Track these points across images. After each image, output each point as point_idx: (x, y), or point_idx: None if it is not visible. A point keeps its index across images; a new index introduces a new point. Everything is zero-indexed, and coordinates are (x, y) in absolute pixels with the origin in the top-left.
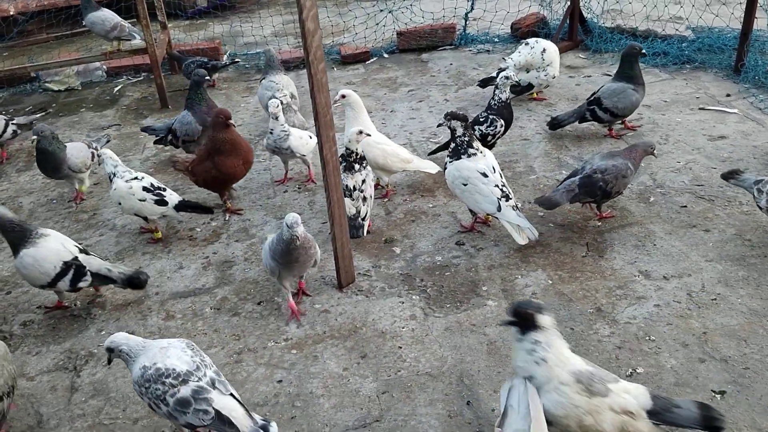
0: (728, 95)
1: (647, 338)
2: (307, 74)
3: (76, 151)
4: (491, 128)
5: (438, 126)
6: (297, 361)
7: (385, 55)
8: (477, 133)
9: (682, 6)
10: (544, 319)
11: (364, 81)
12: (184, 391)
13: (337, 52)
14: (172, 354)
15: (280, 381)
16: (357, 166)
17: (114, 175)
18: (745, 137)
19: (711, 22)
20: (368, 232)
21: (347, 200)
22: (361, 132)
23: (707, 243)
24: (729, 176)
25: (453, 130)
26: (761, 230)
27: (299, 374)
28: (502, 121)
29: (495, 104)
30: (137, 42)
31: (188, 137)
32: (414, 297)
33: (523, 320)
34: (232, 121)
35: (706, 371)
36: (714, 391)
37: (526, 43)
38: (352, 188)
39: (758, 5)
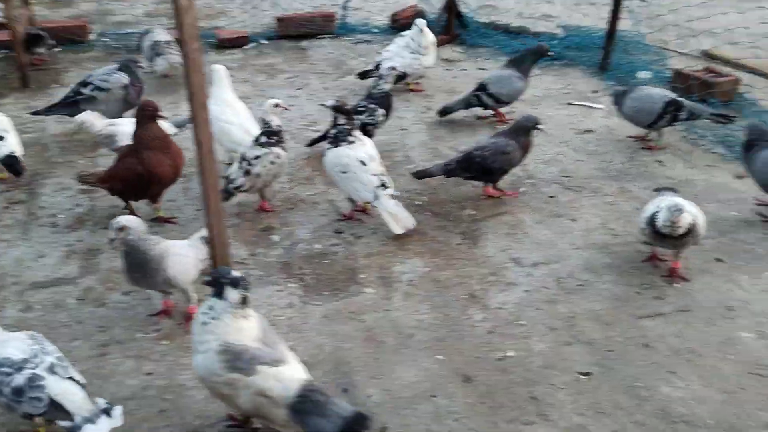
0: (595, 91)
1: (518, 323)
2: (182, 54)
3: None
4: (371, 117)
5: (324, 105)
6: (168, 352)
7: (264, 42)
8: (356, 122)
9: (552, 3)
10: (231, 293)
11: (242, 66)
12: (18, 380)
13: (213, 36)
14: (11, 344)
15: (149, 373)
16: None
17: None
18: (609, 131)
19: (580, 21)
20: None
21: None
22: (277, 105)
23: (574, 231)
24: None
25: (335, 118)
26: (623, 220)
27: (170, 366)
28: (383, 111)
29: (377, 94)
30: None
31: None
32: (291, 285)
33: (215, 285)
34: (162, 113)
35: (573, 354)
36: (580, 373)
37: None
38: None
39: (621, 7)
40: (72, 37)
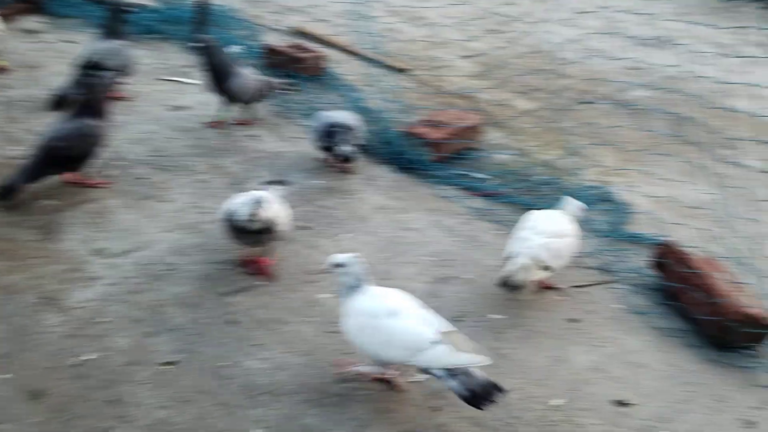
0: (188, 66)
1: (99, 321)
2: None
3: None
4: None
5: None
6: None
7: None
8: None
9: None
10: None
11: None
12: None
13: None
14: None
15: None
16: None
17: None
18: (204, 107)
19: None
20: None
21: None
22: None
23: (164, 213)
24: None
25: None
26: (216, 197)
27: None
28: None
29: None
30: None
31: None
32: None
33: None
34: None
35: (158, 344)
36: (163, 363)
37: None
38: None
39: None
40: None
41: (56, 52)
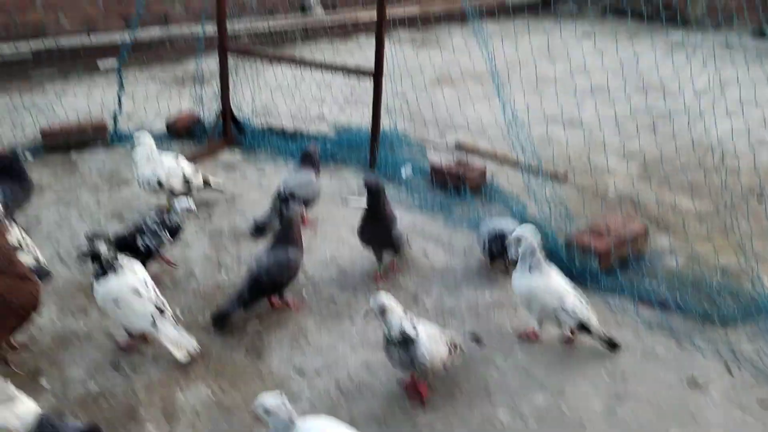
0: None
1: None
2: None
3: None
4: (156, 240)
5: (82, 256)
6: None
7: (30, 158)
8: (142, 245)
9: (325, 103)
10: None
11: None
12: None
13: None
14: None
15: None
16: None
17: None
18: None
19: (350, 120)
20: None
21: None
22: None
23: (352, 332)
24: None
25: (97, 253)
26: None
27: None
28: (170, 234)
29: (172, 224)
30: None
31: None
32: None
33: None
34: None
35: None
36: None
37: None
38: None
39: (381, 107)
40: None
41: (252, 183)
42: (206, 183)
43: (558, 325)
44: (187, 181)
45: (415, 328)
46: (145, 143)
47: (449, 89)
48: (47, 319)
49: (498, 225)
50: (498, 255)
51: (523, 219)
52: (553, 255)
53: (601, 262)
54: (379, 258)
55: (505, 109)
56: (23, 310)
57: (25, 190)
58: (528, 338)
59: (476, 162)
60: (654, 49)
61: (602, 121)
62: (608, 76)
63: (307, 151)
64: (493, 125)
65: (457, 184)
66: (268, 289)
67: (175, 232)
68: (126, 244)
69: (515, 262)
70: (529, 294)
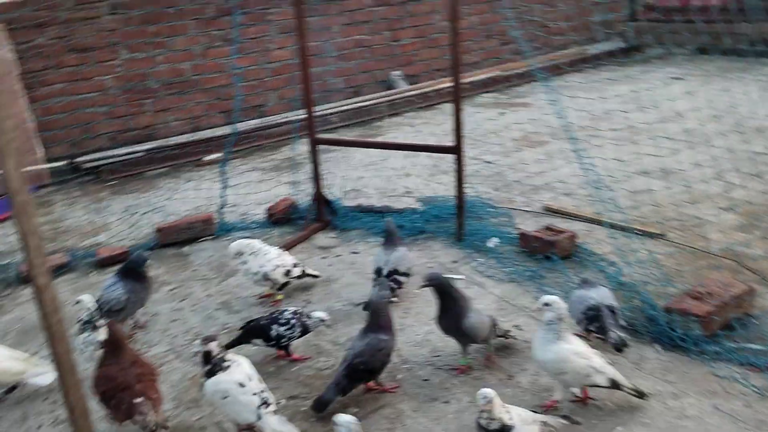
0: (455, 261)
1: None
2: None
3: None
4: (290, 332)
5: (196, 355)
6: None
7: (146, 253)
8: (274, 335)
9: (411, 177)
10: None
11: None
12: None
13: (94, 255)
14: None
15: None
16: None
17: None
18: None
19: (436, 191)
20: None
21: None
22: None
23: (448, 415)
24: None
25: (208, 353)
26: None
27: None
28: (302, 330)
29: (305, 325)
30: None
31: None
32: None
33: None
34: None
35: None
36: None
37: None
38: None
39: (465, 177)
40: None
41: (346, 264)
42: (305, 274)
43: (570, 387)
44: (287, 273)
45: (512, 418)
46: (249, 242)
47: (534, 150)
48: (166, 413)
49: (591, 296)
50: (595, 329)
51: (618, 283)
52: (651, 321)
53: (704, 327)
54: (463, 348)
55: (588, 167)
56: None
57: (146, 289)
58: (548, 408)
59: (565, 226)
60: (751, 87)
61: (699, 170)
62: (703, 119)
63: (387, 228)
64: (581, 185)
65: (546, 251)
66: (363, 375)
67: (305, 332)
68: (260, 329)
69: (618, 347)
70: (561, 361)
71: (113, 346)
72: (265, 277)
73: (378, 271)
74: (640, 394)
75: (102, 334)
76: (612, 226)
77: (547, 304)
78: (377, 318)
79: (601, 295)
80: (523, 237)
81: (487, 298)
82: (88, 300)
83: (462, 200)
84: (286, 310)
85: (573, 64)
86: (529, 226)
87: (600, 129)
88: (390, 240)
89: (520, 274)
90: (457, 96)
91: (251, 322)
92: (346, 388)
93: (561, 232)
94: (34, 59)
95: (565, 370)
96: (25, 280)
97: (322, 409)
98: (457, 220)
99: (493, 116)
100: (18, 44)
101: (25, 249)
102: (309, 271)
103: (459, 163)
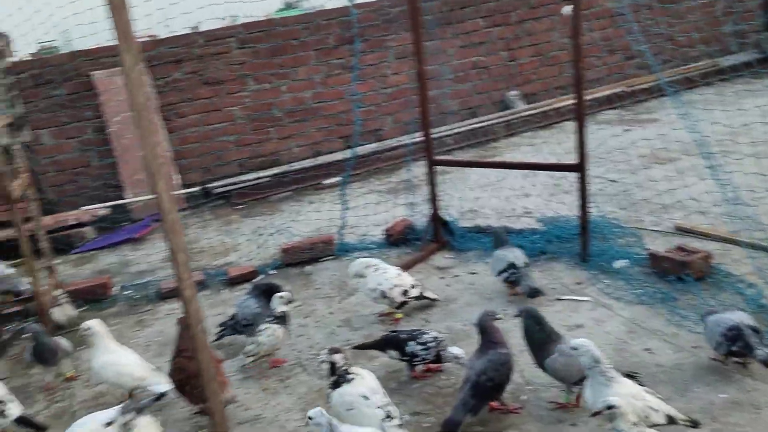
0: (579, 283)
1: None
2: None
3: None
4: (422, 353)
5: (321, 363)
6: None
7: (272, 272)
8: (409, 351)
9: (530, 197)
10: None
11: None
12: None
13: (225, 273)
14: None
15: None
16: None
17: None
18: (598, 324)
19: (558, 211)
20: None
21: None
22: (281, 296)
23: None
24: None
25: (333, 363)
26: None
27: None
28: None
29: (438, 352)
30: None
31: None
32: None
33: None
34: None
35: None
36: None
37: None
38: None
39: (589, 195)
40: (96, 296)
41: (465, 284)
42: (422, 296)
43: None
44: (405, 293)
45: None
46: (369, 261)
47: (663, 167)
48: (292, 424)
49: (729, 317)
50: (739, 348)
51: (758, 306)
52: None
53: None
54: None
55: (725, 183)
56: None
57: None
58: None
59: (698, 245)
60: None
61: None
62: None
63: (495, 233)
64: (716, 202)
65: (678, 272)
66: (491, 392)
67: (437, 361)
68: (398, 342)
69: (759, 353)
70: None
71: (186, 340)
72: (383, 295)
73: (512, 266)
74: (694, 424)
75: None
76: (752, 246)
77: (574, 349)
78: (489, 335)
79: (739, 317)
80: (653, 257)
81: (614, 320)
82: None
83: (586, 219)
84: (428, 333)
85: (705, 76)
86: (659, 246)
87: (739, 143)
88: (501, 242)
89: (650, 296)
90: (580, 111)
91: (393, 332)
92: (475, 407)
93: (694, 252)
94: (172, 93)
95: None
96: (164, 296)
97: (452, 430)
98: (581, 240)
99: (618, 133)
100: (156, 79)
101: (174, 264)
102: (427, 294)
103: (582, 180)
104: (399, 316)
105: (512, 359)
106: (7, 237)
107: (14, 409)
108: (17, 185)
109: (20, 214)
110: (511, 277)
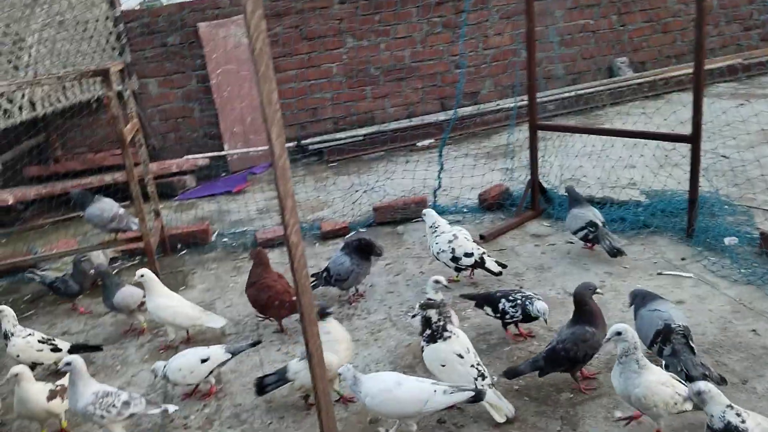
0: (683, 259)
1: None
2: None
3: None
4: (512, 311)
5: (412, 317)
6: None
7: (363, 230)
8: (501, 308)
9: (635, 168)
10: None
11: None
12: None
13: (318, 228)
14: None
15: None
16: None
17: (12, 334)
18: (700, 301)
19: (664, 184)
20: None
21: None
22: (437, 281)
23: None
24: None
25: (428, 318)
26: None
27: None
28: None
29: (532, 312)
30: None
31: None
32: None
33: None
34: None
35: None
36: None
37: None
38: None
39: (700, 170)
40: (196, 241)
41: (561, 253)
42: (477, 264)
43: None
44: (469, 255)
45: (744, 420)
46: (433, 218)
47: None
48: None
49: None
50: None
51: None
52: None
53: None
54: None
55: None
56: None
57: (368, 266)
58: None
59: None
60: None
61: None
62: None
63: (569, 191)
64: None
65: None
66: (563, 362)
67: (525, 318)
68: (492, 299)
69: None
70: (652, 394)
71: (262, 267)
72: (436, 258)
73: (592, 224)
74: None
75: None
76: None
77: (619, 333)
78: (583, 309)
79: None
80: (765, 237)
81: (719, 298)
82: None
83: (695, 193)
84: (520, 291)
85: None
86: None
87: None
88: (578, 201)
89: (759, 277)
90: (699, 78)
91: (492, 291)
92: (542, 369)
93: None
94: (272, 47)
95: (656, 403)
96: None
97: (511, 377)
98: (689, 215)
99: (731, 107)
100: None
101: (281, 209)
102: (488, 265)
103: (695, 153)
104: (457, 279)
105: (597, 338)
106: (115, 180)
107: (63, 343)
108: (129, 129)
109: (132, 158)
110: (590, 235)
